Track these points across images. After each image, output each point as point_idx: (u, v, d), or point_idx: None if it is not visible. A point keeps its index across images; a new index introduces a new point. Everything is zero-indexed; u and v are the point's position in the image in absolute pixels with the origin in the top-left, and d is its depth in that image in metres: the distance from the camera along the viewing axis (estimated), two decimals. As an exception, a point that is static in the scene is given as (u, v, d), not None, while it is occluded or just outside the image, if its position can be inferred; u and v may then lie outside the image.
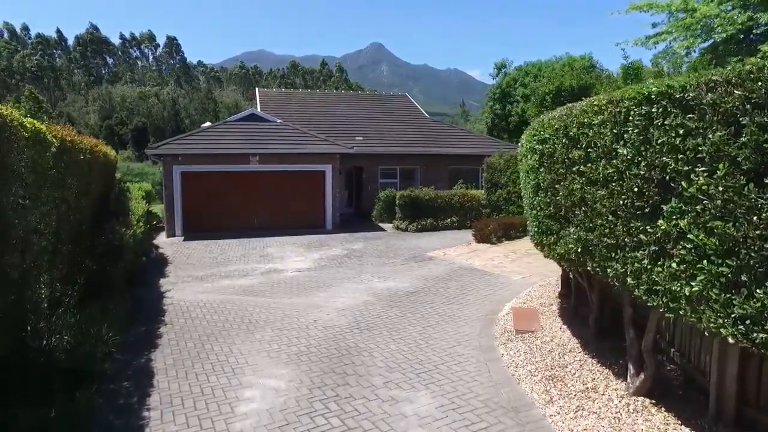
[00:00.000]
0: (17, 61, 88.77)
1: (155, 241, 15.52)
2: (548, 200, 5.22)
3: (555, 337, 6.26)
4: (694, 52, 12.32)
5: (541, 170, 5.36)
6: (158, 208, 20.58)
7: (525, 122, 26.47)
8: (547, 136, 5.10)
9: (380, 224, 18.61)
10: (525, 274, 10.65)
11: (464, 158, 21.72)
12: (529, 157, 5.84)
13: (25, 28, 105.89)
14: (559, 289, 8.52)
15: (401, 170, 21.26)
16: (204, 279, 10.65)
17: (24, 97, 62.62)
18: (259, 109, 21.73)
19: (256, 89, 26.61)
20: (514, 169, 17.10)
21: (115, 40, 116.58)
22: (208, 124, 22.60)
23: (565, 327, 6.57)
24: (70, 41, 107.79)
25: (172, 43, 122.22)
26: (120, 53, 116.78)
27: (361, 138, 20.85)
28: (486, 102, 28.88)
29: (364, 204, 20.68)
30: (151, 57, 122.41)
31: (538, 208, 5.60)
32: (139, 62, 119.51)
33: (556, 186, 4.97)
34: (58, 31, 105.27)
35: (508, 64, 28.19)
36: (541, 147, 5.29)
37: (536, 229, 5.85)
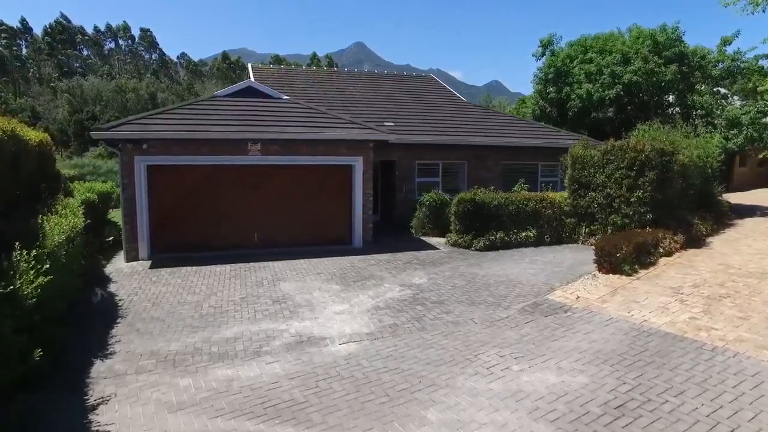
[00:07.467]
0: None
1: (107, 269, 10.37)
2: None
3: None
4: None
5: None
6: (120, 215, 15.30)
7: (589, 108, 20.92)
8: None
9: (424, 238, 13.70)
10: None
11: (520, 151, 16.93)
12: None
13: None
14: None
15: (444, 166, 16.34)
16: (178, 363, 5.61)
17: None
18: (254, 87, 16.43)
19: (249, 65, 21.29)
20: (619, 164, 12.31)
21: (89, 31, 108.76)
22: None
23: None
24: (37, 31, 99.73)
25: (146, 35, 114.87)
26: (93, 45, 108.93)
27: (391, 124, 15.86)
28: (535, 84, 23.97)
29: (396, 209, 15.72)
30: (126, 49, 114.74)
31: None
32: (113, 54, 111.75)
33: None
34: (23, 20, 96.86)
35: (556, 40, 23.33)
36: None
37: None
